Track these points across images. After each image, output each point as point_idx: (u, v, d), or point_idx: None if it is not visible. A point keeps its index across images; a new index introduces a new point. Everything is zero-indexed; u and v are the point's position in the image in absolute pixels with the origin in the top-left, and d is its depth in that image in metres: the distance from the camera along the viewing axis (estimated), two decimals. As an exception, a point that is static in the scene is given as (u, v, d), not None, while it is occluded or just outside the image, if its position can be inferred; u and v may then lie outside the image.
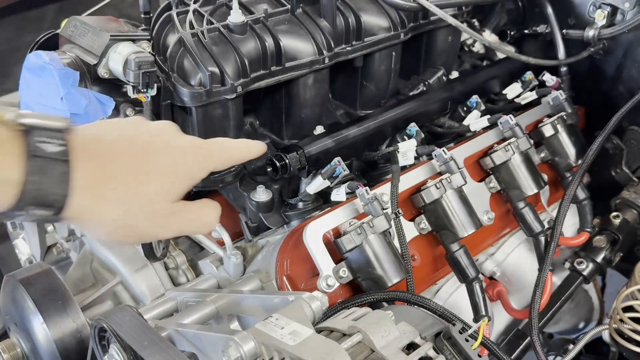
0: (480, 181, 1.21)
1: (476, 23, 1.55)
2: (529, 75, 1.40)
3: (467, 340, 0.78)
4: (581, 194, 1.30)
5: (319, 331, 0.77)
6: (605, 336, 1.16)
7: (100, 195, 0.68)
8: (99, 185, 0.68)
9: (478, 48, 1.56)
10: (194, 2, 1.14)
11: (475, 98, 1.33)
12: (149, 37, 1.10)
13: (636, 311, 1.11)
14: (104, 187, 0.68)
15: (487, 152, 1.22)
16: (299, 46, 1.11)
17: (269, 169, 1.12)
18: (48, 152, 0.63)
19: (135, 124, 0.75)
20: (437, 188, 1.09)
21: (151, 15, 1.15)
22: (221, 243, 1.07)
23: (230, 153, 0.84)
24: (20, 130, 0.63)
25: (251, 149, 0.86)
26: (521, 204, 1.20)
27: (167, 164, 0.73)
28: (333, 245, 1.00)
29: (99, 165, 0.68)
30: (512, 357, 1.17)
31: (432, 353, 0.75)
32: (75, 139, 0.66)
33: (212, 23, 1.09)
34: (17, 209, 0.64)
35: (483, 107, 1.33)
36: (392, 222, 1.03)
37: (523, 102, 1.38)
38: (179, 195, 0.75)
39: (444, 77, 1.37)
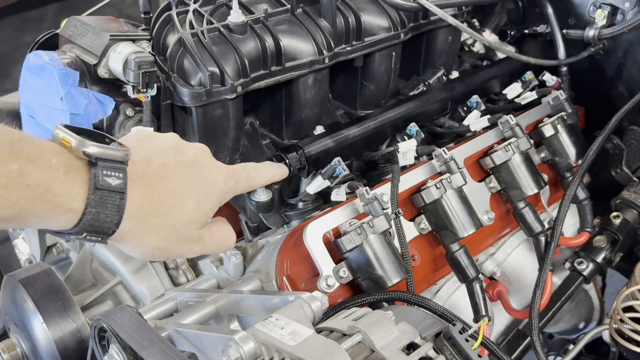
0: (480, 181, 1.21)
1: (476, 23, 1.55)
2: (529, 75, 1.40)
3: (467, 341, 0.78)
4: (581, 194, 1.30)
5: (319, 331, 0.77)
6: (606, 336, 1.16)
7: (145, 223, 0.73)
8: (146, 215, 0.73)
9: (478, 48, 1.56)
10: (194, 2, 1.14)
11: (475, 98, 1.33)
12: (149, 37, 1.10)
13: (636, 311, 1.11)
14: (149, 215, 0.73)
15: (487, 152, 1.22)
16: (299, 46, 1.11)
17: (269, 169, 1.12)
18: (111, 186, 0.67)
19: (175, 148, 0.79)
20: (437, 188, 1.09)
21: (151, 15, 1.15)
22: (221, 243, 1.06)
23: (256, 179, 0.92)
24: (84, 159, 0.67)
25: (275, 173, 0.97)
26: (521, 204, 1.20)
27: (201, 196, 0.78)
28: (333, 245, 1.00)
29: (146, 195, 0.72)
30: (512, 357, 1.17)
31: (432, 353, 0.75)
32: (130, 169, 0.70)
33: (212, 23, 1.09)
34: (74, 234, 0.68)
35: (483, 107, 1.33)
36: (392, 222, 1.03)
37: (523, 102, 1.38)
38: (207, 221, 0.82)
39: (444, 77, 1.37)
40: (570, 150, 1.30)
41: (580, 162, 1.27)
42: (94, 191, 0.66)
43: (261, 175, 0.94)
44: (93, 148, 0.67)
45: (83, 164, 0.67)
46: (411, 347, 0.75)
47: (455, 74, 1.41)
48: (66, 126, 0.69)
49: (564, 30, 1.41)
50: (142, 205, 0.72)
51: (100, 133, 0.71)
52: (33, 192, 0.63)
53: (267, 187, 1.10)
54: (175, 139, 0.82)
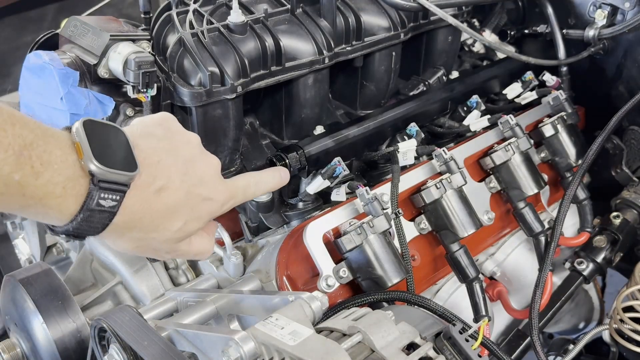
0: (480, 181, 1.21)
1: (476, 23, 1.55)
2: (529, 75, 1.40)
3: (467, 341, 0.77)
4: (581, 194, 1.30)
5: (319, 331, 0.77)
6: (606, 336, 1.16)
7: (125, 234, 0.74)
8: (130, 228, 0.73)
9: (478, 48, 1.56)
10: (194, 2, 1.14)
11: (475, 98, 1.33)
12: (149, 37, 1.10)
13: (636, 311, 1.11)
14: (132, 229, 0.73)
15: (487, 152, 1.22)
16: (299, 46, 1.11)
17: (269, 169, 1.12)
18: (104, 207, 0.68)
19: (187, 163, 0.78)
20: (437, 188, 1.09)
21: (151, 15, 1.15)
22: (221, 243, 1.06)
23: (255, 194, 0.91)
24: (87, 173, 0.67)
25: (276, 184, 0.96)
26: (521, 204, 1.20)
27: (190, 218, 0.78)
28: (333, 245, 1.00)
29: (137, 211, 0.72)
30: (512, 357, 1.17)
31: (432, 353, 0.75)
32: (128, 193, 0.70)
33: (212, 23, 1.09)
34: (54, 233, 0.70)
35: (483, 107, 1.33)
36: (392, 222, 1.03)
37: (523, 102, 1.38)
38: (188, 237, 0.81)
39: (444, 77, 1.37)
40: (570, 150, 1.30)
41: (580, 162, 1.27)
42: (85, 210, 0.67)
43: (261, 189, 0.93)
44: (97, 169, 0.66)
45: (84, 178, 0.67)
46: (411, 347, 0.75)
47: (455, 74, 1.41)
48: (89, 122, 0.68)
49: (564, 30, 1.41)
50: (129, 220, 0.72)
51: (116, 128, 0.71)
52: (27, 200, 0.64)
53: (267, 187, 1.11)
54: (193, 148, 0.80)
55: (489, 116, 1.28)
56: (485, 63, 1.51)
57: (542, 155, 1.31)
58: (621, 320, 1.11)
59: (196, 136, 0.82)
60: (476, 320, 1.10)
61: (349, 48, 1.18)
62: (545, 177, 1.26)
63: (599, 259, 1.29)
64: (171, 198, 0.75)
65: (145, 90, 1.00)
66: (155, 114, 0.82)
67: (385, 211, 1.00)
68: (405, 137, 1.23)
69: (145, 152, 0.73)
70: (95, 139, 0.68)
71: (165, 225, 0.76)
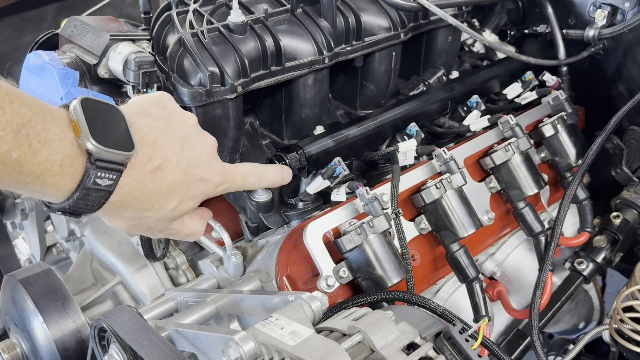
0: (480, 181, 1.21)
1: (476, 23, 1.55)
2: (529, 75, 1.40)
3: (467, 341, 0.78)
4: (581, 194, 1.30)
5: (319, 331, 0.77)
6: (606, 336, 1.16)
7: (121, 213, 0.74)
8: (125, 206, 0.73)
9: (478, 48, 1.56)
10: (194, 2, 1.14)
11: (475, 98, 1.33)
12: (149, 37, 1.10)
13: (636, 311, 1.11)
14: (128, 208, 0.74)
15: (487, 152, 1.22)
16: (299, 46, 1.11)
17: (269, 169, 1.12)
18: (100, 186, 0.68)
19: (183, 140, 0.78)
20: (437, 188, 1.09)
21: (151, 15, 1.15)
22: (221, 243, 1.06)
23: (254, 185, 0.92)
24: (84, 151, 0.67)
25: (277, 180, 0.96)
26: (521, 204, 1.20)
27: (185, 197, 0.79)
28: (333, 245, 1.00)
29: (133, 190, 0.73)
30: (512, 357, 1.17)
31: (432, 353, 0.75)
32: (124, 172, 0.70)
33: (212, 23, 1.09)
34: (51, 210, 0.70)
35: (483, 107, 1.33)
36: (392, 222, 1.03)
37: (523, 102, 1.38)
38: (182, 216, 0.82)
39: (444, 77, 1.36)
40: (570, 150, 1.30)
41: (580, 162, 1.27)
42: (82, 189, 0.67)
43: (263, 182, 0.94)
44: (95, 148, 0.66)
45: (82, 156, 0.67)
46: (411, 347, 0.75)
47: (455, 74, 1.41)
48: (86, 100, 0.68)
49: (564, 30, 1.41)
50: (125, 199, 0.72)
51: (113, 107, 0.71)
52: (24, 178, 0.64)
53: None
54: (190, 128, 0.81)
55: (489, 116, 1.28)
56: (485, 63, 1.51)
57: (542, 155, 1.31)
58: (621, 320, 1.11)
59: (193, 116, 0.83)
60: (476, 320, 1.10)
61: (349, 48, 1.18)
62: (545, 177, 1.26)
63: (599, 259, 1.29)
64: (167, 177, 0.75)
65: (145, 90, 1.00)
66: (152, 93, 0.82)
67: (385, 211, 1.00)
68: (405, 137, 1.23)
69: (142, 131, 0.73)
70: (93, 117, 0.68)
71: (161, 204, 0.76)
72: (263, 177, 0.93)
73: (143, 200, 0.74)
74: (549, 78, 1.39)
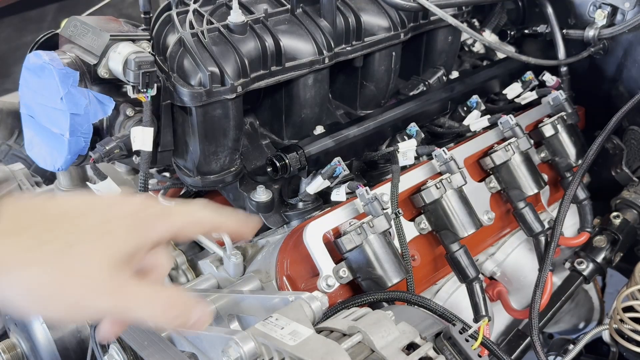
0: (480, 181, 1.21)
1: (476, 23, 1.55)
2: (529, 75, 1.40)
3: (467, 341, 0.78)
4: (581, 194, 1.30)
5: (319, 331, 0.77)
6: (606, 336, 1.16)
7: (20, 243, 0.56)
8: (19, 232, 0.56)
9: (478, 48, 1.56)
10: (194, 2, 1.14)
11: (475, 98, 1.33)
12: (149, 37, 1.10)
13: (636, 311, 1.11)
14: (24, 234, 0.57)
15: (487, 152, 1.22)
16: (299, 46, 1.11)
17: (268, 169, 1.12)
18: None
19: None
20: (437, 188, 1.09)
21: (151, 15, 1.15)
22: (221, 243, 1.06)
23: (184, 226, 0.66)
24: None
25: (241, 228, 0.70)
26: (521, 204, 1.20)
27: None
28: (333, 245, 1.00)
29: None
30: (512, 357, 1.17)
31: (432, 353, 0.75)
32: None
33: (212, 23, 1.09)
34: None
35: (483, 107, 1.33)
36: (392, 222, 1.03)
37: (523, 102, 1.38)
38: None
39: (444, 77, 1.36)
40: (570, 150, 1.30)
41: (580, 162, 1.27)
42: None
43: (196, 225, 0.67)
44: None
45: None
46: (411, 347, 0.75)
47: (455, 74, 1.41)
48: None
49: (564, 30, 1.41)
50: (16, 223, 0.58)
51: None
52: None
53: (267, 187, 1.11)
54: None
55: (489, 116, 1.28)
56: (485, 63, 1.51)
57: (542, 155, 1.31)
58: (621, 320, 1.11)
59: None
60: (476, 320, 1.10)
61: (349, 48, 1.18)
62: (545, 177, 1.27)
63: (599, 259, 1.29)
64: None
65: (145, 90, 1.00)
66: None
67: (385, 211, 1.00)
68: (405, 137, 1.23)
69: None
70: None
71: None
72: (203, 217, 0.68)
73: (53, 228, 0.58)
74: (549, 78, 1.39)
